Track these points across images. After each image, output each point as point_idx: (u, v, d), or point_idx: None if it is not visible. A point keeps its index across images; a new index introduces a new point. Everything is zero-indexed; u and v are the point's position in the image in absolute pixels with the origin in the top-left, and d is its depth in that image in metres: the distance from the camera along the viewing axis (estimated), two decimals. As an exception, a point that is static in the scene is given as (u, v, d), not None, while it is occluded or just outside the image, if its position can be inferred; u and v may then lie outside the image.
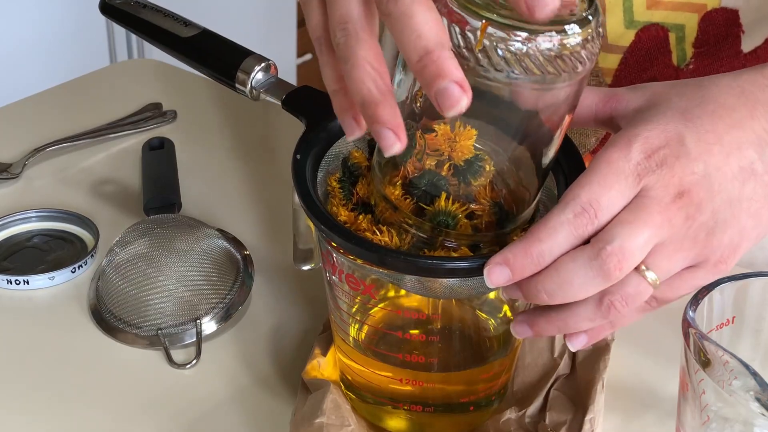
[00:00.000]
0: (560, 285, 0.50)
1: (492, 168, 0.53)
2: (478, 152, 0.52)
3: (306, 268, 0.64)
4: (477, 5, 0.47)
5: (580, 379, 0.63)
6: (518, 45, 0.47)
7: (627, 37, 0.74)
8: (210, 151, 0.91)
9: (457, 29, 0.47)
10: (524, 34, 0.47)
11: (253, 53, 0.64)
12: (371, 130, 0.46)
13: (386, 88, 0.46)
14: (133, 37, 1.89)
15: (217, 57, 0.66)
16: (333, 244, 0.53)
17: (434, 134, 0.52)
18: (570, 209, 0.50)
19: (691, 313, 0.53)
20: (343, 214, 0.55)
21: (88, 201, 0.84)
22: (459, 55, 0.47)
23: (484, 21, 0.47)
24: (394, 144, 0.45)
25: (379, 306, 0.60)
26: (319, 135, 0.58)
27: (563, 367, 0.64)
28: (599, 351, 0.64)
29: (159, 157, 0.87)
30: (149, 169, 0.86)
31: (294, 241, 0.63)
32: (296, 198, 0.55)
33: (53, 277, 0.74)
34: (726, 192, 0.51)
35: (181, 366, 0.68)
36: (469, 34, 0.47)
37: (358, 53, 0.46)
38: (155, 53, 0.73)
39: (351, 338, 0.60)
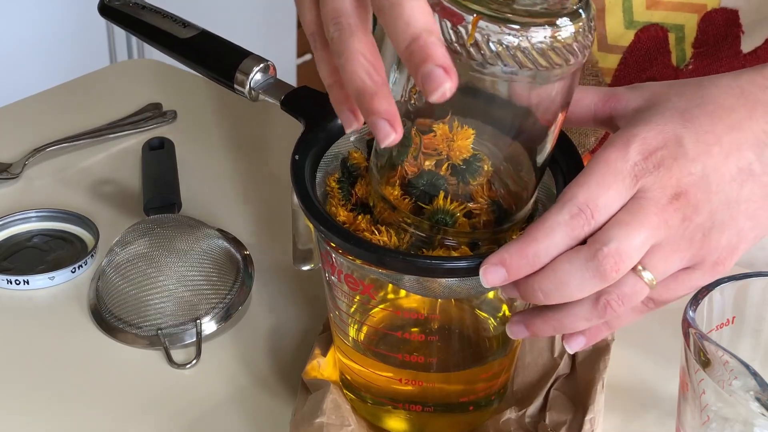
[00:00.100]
0: (557, 285, 0.50)
1: (490, 168, 0.53)
2: (475, 152, 0.52)
3: (305, 268, 0.64)
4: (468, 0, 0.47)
5: (580, 379, 0.63)
6: (510, 38, 0.47)
7: (626, 38, 0.74)
8: (210, 151, 0.91)
9: (449, 24, 0.47)
10: (516, 28, 0.47)
11: (252, 54, 0.64)
12: (367, 122, 0.46)
13: (381, 79, 0.46)
14: (133, 37, 1.89)
15: (215, 58, 0.66)
16: (332, 244, 0.53)
17: (433, 134, 0.52)
18: (567, 209, 0.50)
19: (691, 313, 0.53)
20: (342, 215, 0.55)
21: (88, 201, 0.84)
22: (451, 50, 0.47)
23: (475, 15, 0.47)
24: (389, 134, 0.45)
25: (379, 306, 0.60)
26: (318, 135, 0.58)
27: (563, 367, 0.64)
28: (599, 351, 0.64)
29: (159, 157, 0.87)
30: (149, 169, 0.86)
31: (293, 241, 0.63)
32: (295, 198, 0.55)
33: (53, 277, 0.74)
34: (724, 193, 0.51)
35: (181, 366, 0.68)
36: (461, 29, 0.47)
37: (351, 46, 0.46)
38: (155, 53, 0.73)
39: (350, 338, 0.60)
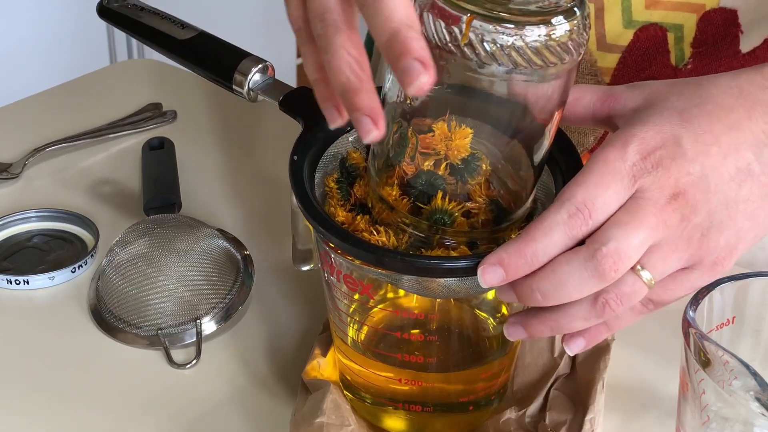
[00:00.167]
0: (555, 286, 0.50)
1: (488, 167, 0.53)
2: (474, 151, 0.52)
3: (305, 268, 0.64)
4: None
5: (580, 379, 0.63)
6: (504, 38, 0.47)
7: (625, 37, 0.74)
8: (210, 151, 0.91)
9: (443, 24, 0.47)
10: (510, 27, 0.47)
11: (251, 55, 0.64)
12: (351, 118, 0.46)
13: (365, 75, 0.46)
14: (133, 37, 1.89)
15: (214, 59, 0.66)
16: (331, 244, 0.53)
17: (431, 134, 0.52)
18: (565, 209, 0.50)
19: (691, 313, 0.53)
20: (341, 215, 0.55)
21: (88, 201, 0.84)
22: (446, 51, 0.47)
23: (469, 15, 0.47)
24: (371, 131, 0.45)
25: (378, 306, 0.60)
26: (317, 136, 0.58)
27: (563, 366, 0.64)
28: (599, 351, 0.64)
29: (159, 157, 0.87)
30: (149, 169, 0.86)
31: (293, 241, 0.63)
32: (294, 199, 0.55)
33: (53, 277, 0.74)
34: (722, 193, 0.51)
35: (181, 366, 0.68)
36: (455, 29, 0.47)
37: (336, 42, 0.47)
38: (155, 53, 0.73)
39: (350, 338, 0.60)
